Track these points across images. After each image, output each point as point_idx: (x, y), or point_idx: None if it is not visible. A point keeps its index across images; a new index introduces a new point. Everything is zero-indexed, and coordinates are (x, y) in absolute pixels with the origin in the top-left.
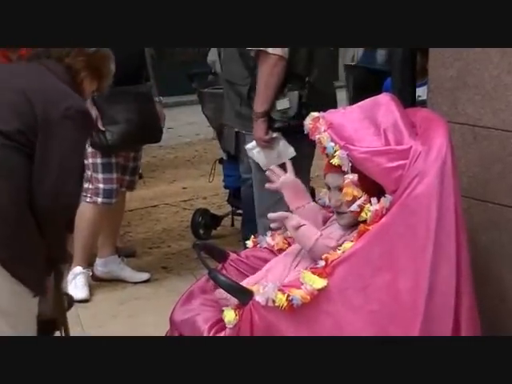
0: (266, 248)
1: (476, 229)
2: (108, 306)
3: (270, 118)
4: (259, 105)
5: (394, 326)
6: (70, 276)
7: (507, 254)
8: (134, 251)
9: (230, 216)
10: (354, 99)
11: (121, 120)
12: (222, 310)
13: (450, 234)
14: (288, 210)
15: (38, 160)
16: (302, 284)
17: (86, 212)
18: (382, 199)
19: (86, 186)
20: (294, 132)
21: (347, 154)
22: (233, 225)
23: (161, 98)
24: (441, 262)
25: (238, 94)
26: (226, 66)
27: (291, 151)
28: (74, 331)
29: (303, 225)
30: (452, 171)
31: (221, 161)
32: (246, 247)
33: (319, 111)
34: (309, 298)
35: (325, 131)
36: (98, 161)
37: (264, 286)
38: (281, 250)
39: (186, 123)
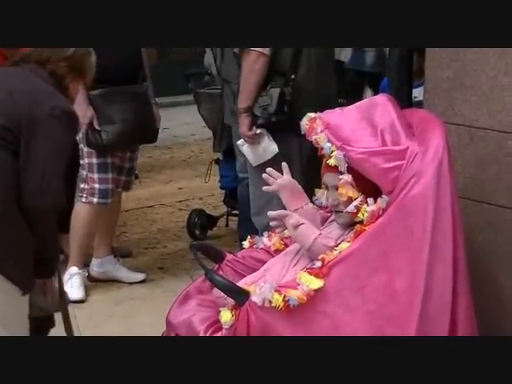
0: (262, 249)
1: (472, 229)
2: (104, 306)
3: (254, 115)
4: (242, 101)
5: (390, 326)
6: (65, 276)
7: (503, 254)
8: (129, 251)
9: (225, 217)
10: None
11: (117, 120)
12: (219, 311)
13: (446, 235)
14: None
15: (22, 159)
16: (299, 284)
17: (81, 212)
18: (379, 200)
19: (81, 186)
20: (280, 129)
21: (344, 155)
22: (227, 225)
23: (156, 99)
24: (437, 263)
25: (232, 92)
26: (225, 66)
27: (273, 148)
28: None
29: (302, 223)
30: (449, 172)
31: (217, 161)
32: (242, 247)
33: (311, 111)
34: (305, 298)
35: (321, 132)
36: (94, 161)
37: (260, 287)
38: (277, 251)
39: (181, 123)
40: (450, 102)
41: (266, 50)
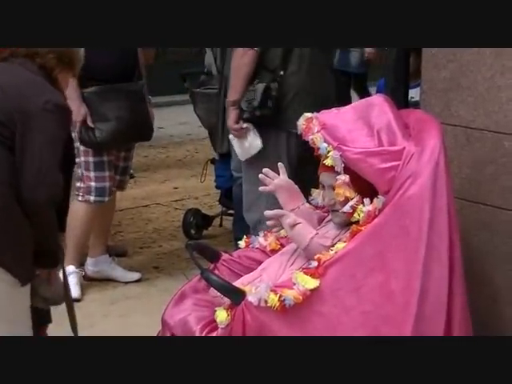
0: (258, 248)
1: (468, 230)
2: (99, 305)
3: (241, 109)
4: (230, 94)
5: (386, 326)
6: (62, 275)
7: (499, 255)
8: (125, 251)
9: (221, 216)
10: None
11: (111, 117)
12: (215, 310)
13: (442, 235)
14: (276, 205)
15: (18, 153)
16: (295, 284)
17: (78, 211)
18: (375, 200)
19: (77, 184)
20: (266, 124)
21: (340, 155)
22: (221, 225)
23: (149, 97)
24: (433, 263)
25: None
26: (227, 64)
27: (257, 144)
28: (66, 330)
29: (299, 223)
30: (445, 172)
31: (212, 161)
32: (237, 247)
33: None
34: (301, 298)
35: (318, 132)
36: (90, 159)
37: (256, 287)
38: (273, 251)
39: (177, 123)
40: (447, 103)
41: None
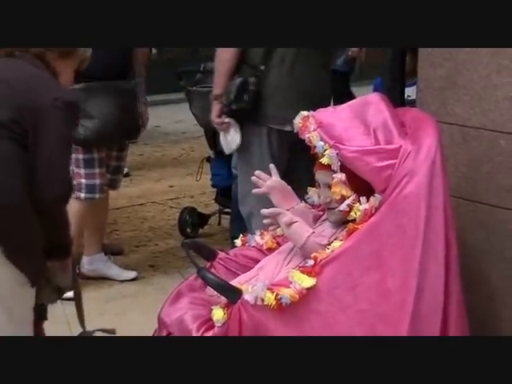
0: (254, 247)
1: (464, 229)
2: (95, 303)
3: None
4: (214, 89)
5: (382, 325)
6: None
7: (495, 253)
8: (121, 249)
9: (217, 215)
10: None
11: (96, 115)
12: (211, 309)
13: (438, 234)
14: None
15: (30, 150)
16: (291, 283)
17: (70, 207)
18: (372, 198)
19: None
20: (246, 119)
21: (337, 154)
22: (220, 223)
23: (146, 98)
24: (429, 262)
25: None
26: None
27: (236, 138)
28: (61, 329)
29: (296, 222)
30: (441, 171)
31: (208, 159)
32: (234, 246)
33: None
34: (297, 296)
35: (314, 130)
36: (80, 156)
37: (253, 285)
38: (270, 249)
39: (173, 121)
40: (443, 101)
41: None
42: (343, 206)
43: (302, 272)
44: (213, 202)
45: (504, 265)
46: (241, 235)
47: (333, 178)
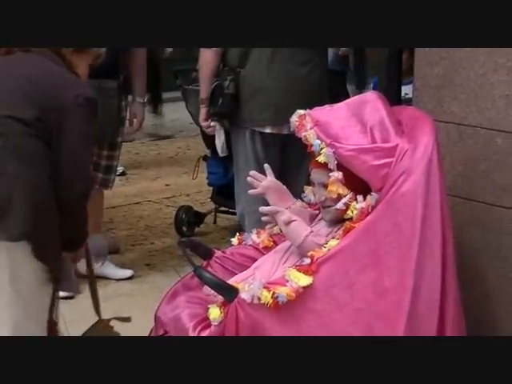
0: (250, 245)
1: (461, 227)
2: (91, 302)
3: None
4: (201, 92)
5: (379, 323)
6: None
7: (491, 252)
8: (117, 248)
9: (213, 213)
10: None
11: None
12: (208, 308)
13: (435, 232)
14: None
15: (55, 147)
16: (288, 281)
17: None
18: (368, 197)
19: None
20: (230, 121)
21: (333, 152)
22: (215, 222)
23: (144, 99)
24: (426, 260)
25: None
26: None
27: (218, 142)
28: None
29: (294, 220)
30: (438, 169)
31: (204, 158)
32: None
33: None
34: (294, 295)
35: (311, 128)
36: None
37: (249, 284)
38: (266, 248)
39: (169, 120)
40: (439, 100)
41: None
42: (340, 205)
43: (299, 270)
44: (209, 200)
45: (500, 263)
46: (237, 234)
47: (329, 176)
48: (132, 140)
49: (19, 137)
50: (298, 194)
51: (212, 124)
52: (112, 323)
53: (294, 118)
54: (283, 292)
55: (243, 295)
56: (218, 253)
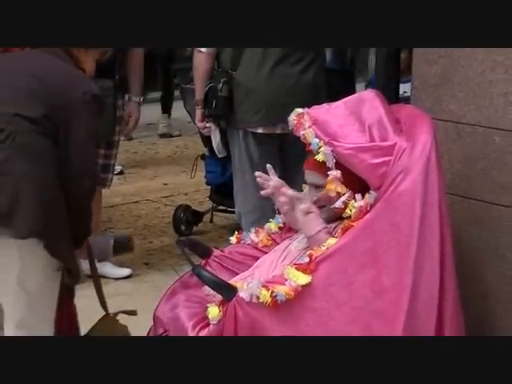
0: (249, 244)
1: (459, 225)
2: (90, 301)
3: None
4: (196, 94)
5: (378, 322)
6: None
7: (490, 250)
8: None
9: (211, 212)
10: None
11: None
12: (207, 307)
13: (434, 231)
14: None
15: (61, 144)
16: (286, 280)
17: None
18: (367, 195)
19: None
20: (226, 123)
21: (332, 150)
22: (211, 221)
23: (140, 98)
24: (425, 259)
25: None
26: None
27: (214, 142)
28: None
29: (312, 212)
30: (436, 168)
31: (202, 157)
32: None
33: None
34: (293, 294)
35: (309, 127)
36: None
37: (248, 283)
38: (265, 247)
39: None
40: (438, 98)
41: (203, 48)
42: (338, 203)
43: (298, 269)
44: (207, 199)
45: (498, 261)
46: (236, 232)
47: (321, 178)
48: (131, 139)
49: (27, 135)
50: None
51: (207, 125)
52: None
53: (292, 117)
54: (282, 291)
55: (242, 294)
56: (216, 252)
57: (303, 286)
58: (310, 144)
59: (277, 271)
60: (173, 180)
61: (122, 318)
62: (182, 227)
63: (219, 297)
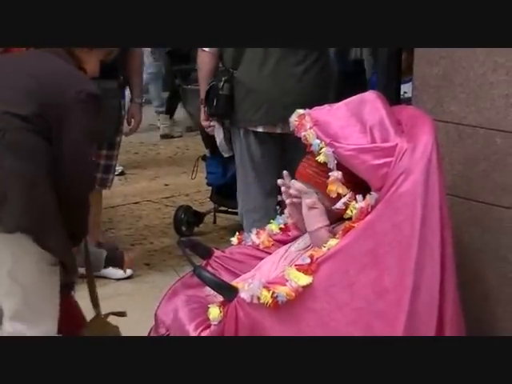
0: (250, 245)
1: (460, 227)
2: (87, 302)
3: None
4: (200, 93)
5: (378, 323)
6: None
7: (490, 252)
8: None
9: (212, 213)
10: None
11: None
12: (208, 308)
13: (434, 232)
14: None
15: (55, 143)
16: (287, 281)
17: None
18: (368, 196)
19: None
20: (228, 122)
21: (333, 151)
22: (215, 222)
23: (141, 99)
24: (425, 260)
25: None
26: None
27: (217, 141)
28: None
29: (317, 208)
30: (437, 169)
31: (203, 158)
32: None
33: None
34: (294, 294)
35: (311, 128)
36: None
37: (249, 283)
38: (266, 248)
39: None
40: (439, 99)
41: (207, 48)
42: (339, 205)
43: (299, 270)
44: (208, 200)
45: (499, 263)
46: (237, 233)
47: (329, 176)
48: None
49: (16, 132)
50: None
51: (212, 124)
52: (110, 319)
53: (294, 118)
54: (283, 291)
55: (243, 295)
56: (217, 252)
57: (304, 287)
58: (311, 145)
59: (277, 272)
60: (174, 181)
61: (122, 319)
62: (183, 228)
63: (220, 297)
